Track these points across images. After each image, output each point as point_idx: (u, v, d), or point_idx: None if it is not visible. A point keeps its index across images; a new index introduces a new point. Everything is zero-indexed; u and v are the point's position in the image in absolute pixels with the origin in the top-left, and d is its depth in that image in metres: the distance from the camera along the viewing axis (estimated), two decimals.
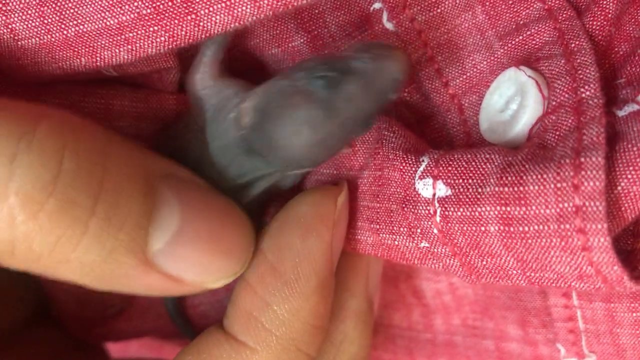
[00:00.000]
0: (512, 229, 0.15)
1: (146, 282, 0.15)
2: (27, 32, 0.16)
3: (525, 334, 0.22)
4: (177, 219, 0.15)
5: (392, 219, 0.17)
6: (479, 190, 0.15)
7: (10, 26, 0.16)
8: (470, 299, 0.23)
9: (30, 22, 0.16)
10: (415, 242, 0.17)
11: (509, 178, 0.15)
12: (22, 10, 0.15)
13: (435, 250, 0.16)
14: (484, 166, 0.16)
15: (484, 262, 0.16)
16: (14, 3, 0.15)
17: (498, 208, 0.15)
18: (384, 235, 0.18)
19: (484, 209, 0.15)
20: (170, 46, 0.16)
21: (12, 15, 0.15)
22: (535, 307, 0.21)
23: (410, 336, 0.26)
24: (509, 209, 0.15)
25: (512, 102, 0.17)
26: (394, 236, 0.17)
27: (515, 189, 0.15)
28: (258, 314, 0.16)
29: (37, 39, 0.16)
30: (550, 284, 0.15)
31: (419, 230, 0.17)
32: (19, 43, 0.16)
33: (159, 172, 0.15)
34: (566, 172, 0.14)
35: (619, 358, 0.19)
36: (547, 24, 0.17)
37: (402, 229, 0.17)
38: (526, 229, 0.15)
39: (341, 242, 0.18)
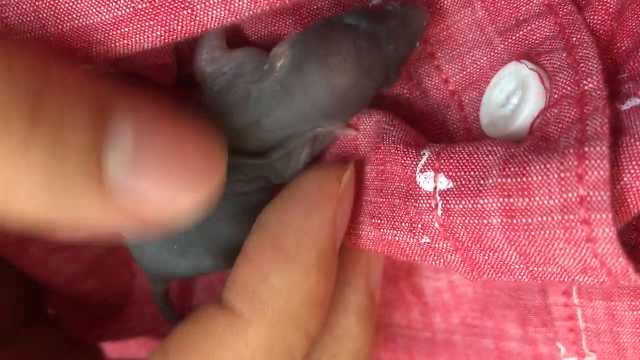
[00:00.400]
0: (515, 221, 0.15)
1: (107, 213, 0.12)
2: (22, 26, 0.16)
3: (525, 333, 0.22)
4: (134, 135, 0.12)
5: (394, 214, 0.17)
6: (482, 182, 0.15)
7: (5, 21, 0.15)
8: (470, 298, 0.23)
9: (25, 16, 0.15)
10: (417, 238, 0.17)
11: (512, 169, 0.15)
12: (17, 5, 0.15)
13: (437, 245, 0.16)
14: (486, 158, 0.15)
15: (486, 257, 0.16)
16: None
17: (501, 200, 0.15)
18: (385, 230, 0.18)
19: (486, 201, 0.15)
20: (167, 41, 0.15)
21: (7, 10, 0.15)
22: (535, 306, 0.21)
23: (410, 335, 0.26)
24: (512, 200, 0.15)
25: (513, 96, 0.17)
26: (395, 232, 0.17)
27: (519, 180, 0.15)
28: (256, 286, 0.16)
29: (31, 34, 0.16)
30: (554, 279, 0.15)
31: (420, 226, 0.16)
32: (15, 38, 0.16)
33: (111, 87, 0.13)
34: (570, 162, 0.14)
35: (619, 357, 0.19)
36: (548, 19, 0.17)
37: (403, 225, 0.17)
38: (530, 220, 0.14)
39: (345, 222, 0.18)
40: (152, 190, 0.13)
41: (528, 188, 0.14)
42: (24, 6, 0.15)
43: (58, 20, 0.15)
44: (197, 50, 0.18)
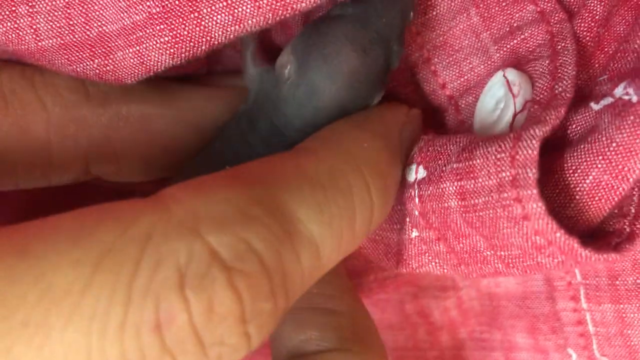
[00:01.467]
0: (466, 202, 0.15)
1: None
2: (50, 32, 0.16)
3: (535, 342, 0.21)
4: None
5: (397, 214, 0.18)
6: (444, 168, 0.16)
7: (34, 26, 0.16)
8: (477, 311, 0.23)
9: (55, 22, 0.16)
10: (407, 233, 0.17)
11: (464, 154, 0.16)
12: (49, 12, 0.16)
13: (423, 235, 0.17)
14: (451, 147, 0.16)
15: (461, 245, 0.16)
16: (41, 5, 0.16)
17: (455, 183, 0.15)
18: (388, 233, 0.18)
19: (445, 184, 0.16)
20: (172, 50, 0.16)
21: (38, 17, 0.16)
22: (544, 313, 0.21)
23: (417, 356, 0.25)
24: (462, 182, 0.15)
25: (501, 102, 0.18)
26: (391, 232, 0.18)
27: (467, 163, 0.15)
28: (326, 134, 0.16)
29: (58, 39, 0.16)
30: (521, 262, 0.15)
31: (408, 219, 0.17)
32: (40, 44, 0.16)
33: None
34: (506, 144, 0.15)
35: None
36: (540, 27, 0.18)
37: (397, 225, 0.17)
38: (477, 201, 0.15)
39: (410, 146, 0.17)
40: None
41: (472, 170, 0.15)
42: (57, 13, 0.16)
43: (87, 27, 0.16)
44: (242, 70, 0.18)
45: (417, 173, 0.17)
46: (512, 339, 0.22)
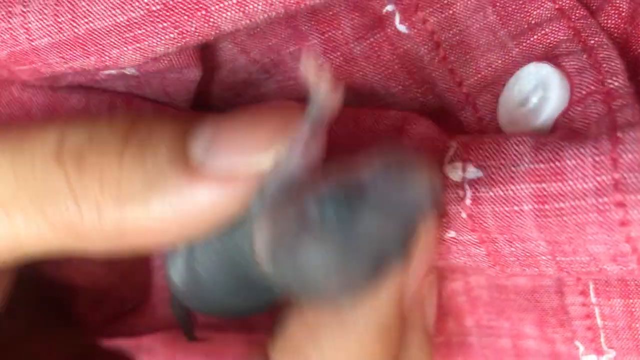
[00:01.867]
0: (547, 206, 0.15)
1: (195, 188, 0.14)
2: (40, 31, 0.16)
3: (543, 334, 0.22)
4: (211, 129, 0.14)
5: None
6: (513, 169, 0.15)
7: (26, 26, 0.16)
8: (485, 301, 0.23)
9: (44, 21, 0.16)
10: (440, 233, 0.16)
11: (545, 155, 0.15)
12: (40, 10, 0.16)
13: (462, 238, 0.16)
14: (516, 147, 0.15)
15: (513, 249, 0.16)
16: (34, 3, 0.16)
17: (533, 185, 0.15)
18: None
19: (518, 187, 0.15)
20: (179, 43, 0.16)
21: (30, 16, 0.16)
22: (552, 307, 0.21)
23: None
24: (544, 185, 0.15)
25: (533, 95, 0.17)
26: None
27: (552, 164, 0.15)
28: (308, 351, 0.15)
29: (48, 38, 0.16)
30: (580, 269, 0.15)
31: (444, 220, 0.16)
32: (33, 44, 0.16)
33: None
34: (604, 146, 0.14)
35: (639, 352, 0.19)
36: (561, 23, 0.18)
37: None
38: (562, 205, 0.14)
39: (420, 273, 0.16)
40: (230, 147, 0.14)
41: (561, 172, 0.14)
42: (46, 10, 0.16)
43: (74, 24, 0.16)
44: None
45: (465, 172, 0.16)
46: (520, 328, 0.22)
